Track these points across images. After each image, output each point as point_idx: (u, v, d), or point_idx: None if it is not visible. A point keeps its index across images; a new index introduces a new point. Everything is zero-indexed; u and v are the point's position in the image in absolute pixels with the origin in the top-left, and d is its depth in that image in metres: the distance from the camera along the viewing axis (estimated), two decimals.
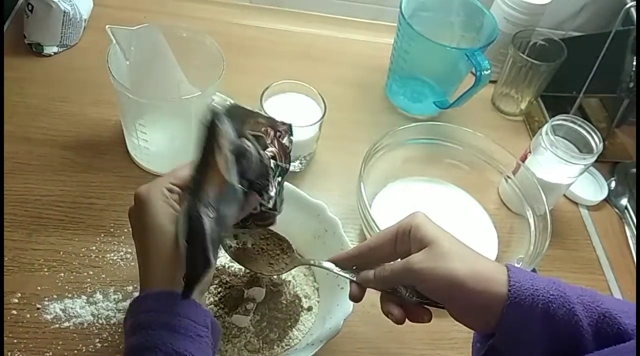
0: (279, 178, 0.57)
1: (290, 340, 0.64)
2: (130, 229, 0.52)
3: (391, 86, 0.97)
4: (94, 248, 0.71)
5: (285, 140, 0.57)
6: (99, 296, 0.66)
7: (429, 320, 0.52)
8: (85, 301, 0.66)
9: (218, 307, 0.64)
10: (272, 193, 0.55)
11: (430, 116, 0.96)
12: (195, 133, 0.46)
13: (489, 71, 0.83)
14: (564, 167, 0.78)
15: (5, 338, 0.62)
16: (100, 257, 0.70)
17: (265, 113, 0.77)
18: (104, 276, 0.68)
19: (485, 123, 0.98)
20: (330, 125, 0.82)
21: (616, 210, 0.91)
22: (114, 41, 0.71)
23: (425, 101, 0.95)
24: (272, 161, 0.54)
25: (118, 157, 0.80)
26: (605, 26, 1.06)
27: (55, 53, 0.91)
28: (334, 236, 0.68)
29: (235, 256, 0.60)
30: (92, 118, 0.84)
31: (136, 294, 0.66)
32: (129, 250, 0.71)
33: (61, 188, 0.75)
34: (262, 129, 0.54)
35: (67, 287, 0.67)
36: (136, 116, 0.74)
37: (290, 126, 0.58)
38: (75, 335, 0.63)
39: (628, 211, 0.91)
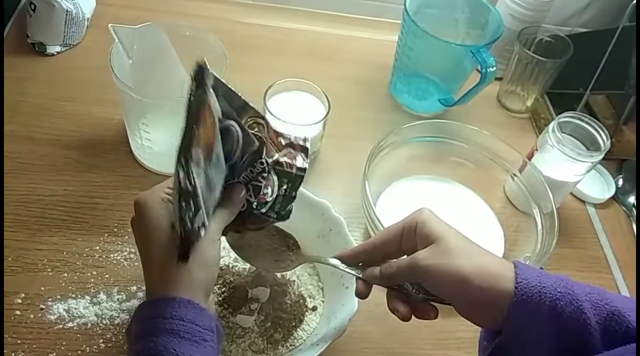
0: (285, 187, 0.56)
1: (295, 340, 0.63)
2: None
3: (395, 84, 0.97)
4: (97, 248, 0.71)
5: (299, 152, 0.56)
6: (102, 296, 0.66)
7: (435, 317, 0.52)
8: (89, 301, 0.66)
9: (222, 307, 0.64)
10: (268, 198, 0.54)
11: (435, 114, 0.96)
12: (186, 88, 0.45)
13: (495, 68, 0.82)
14: (571, 165, 0.77)
15: (9, 339, 0.62)
16: (103, 257, 0.70)
17: (269, 112, 0.76)
18: (107, 276, 0.68)
19: (491, 120, 0.97)
20: (334, 123, 0.82)
21: (624, 208, 0.90)
22: (117, 40, 0.70)
23: (430, 99, 0.95)
24: (269, 160, 0.53)
25: (121, 156, 0.80)
26: (612, 22, 1.05)
27: (58, 52, 0.91)
28: (338, 235, 0.67)
29: (240, 252, 0.60)
30: (95, 118, 0.84)
31: (140, 294, 0.67)
32: (133, 250, 0.71)
33: (64, 188, 0.75)
34: (271, 137, 0.54)
35: (70, 287, 0.67)
36: (139, 115, 0.73)
37: (306, 140, 0.57)
38: (79, 335, 0.63)
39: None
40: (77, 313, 0.64)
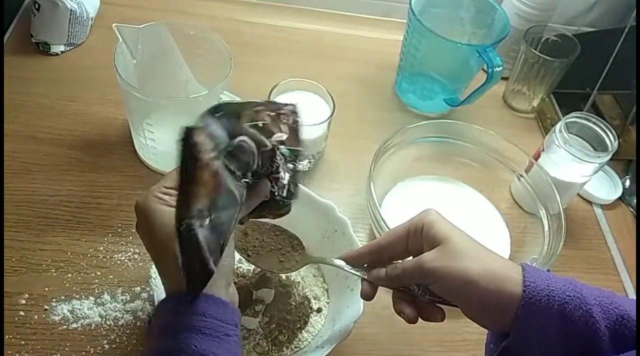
0: (293, 163, 0.55)
1: (300, 342, 0.63)
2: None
3: (401, 83, 0.96)
4: (101, 248, 0.70)
5: (291, 121, 0.55)
6: (106, 297, 0.66)
7: (442, 319, 0.52)
8: (93, 302, 0.65)
9: None
10: (285, 181, 0.54)
11: (440, 114, 0.95)
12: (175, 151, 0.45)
13: (501, 68, 0.81)
14: (578, 165, 0.76)
15: (12, 340, 0.61)
16: (107, 257, 0.70)
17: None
18: (111, 277, 0.68)
19: (497, 120, 0.96)
20: (339, 123, 0.81)
21: (631, 209, 0.89)
22: (121, 40, 0.70)
23: (436, 98, 0.94)
24: (281, 146, 0.53)
25: (125, 156, 0.80)
26: (619, 21, 1.05)
27: (62, 52, 0.90)
28: (343, 236, 0.67)
29: (244, 254, 0.59)
30: (99, 118, 0.83)
31: (144, 295, 0.66)
32: (137, 251, 0.70)
33: (68, 188, 0.75)
34: (265, 116, 0.53)
35: (74, 288, 0.66)
36: (143, 115, 0.73)
37: (294, 106, 0.56)
38: (83, 336, 0.63)
39: (636, 209, 0.89)
40: (81, 314, 0.64)
